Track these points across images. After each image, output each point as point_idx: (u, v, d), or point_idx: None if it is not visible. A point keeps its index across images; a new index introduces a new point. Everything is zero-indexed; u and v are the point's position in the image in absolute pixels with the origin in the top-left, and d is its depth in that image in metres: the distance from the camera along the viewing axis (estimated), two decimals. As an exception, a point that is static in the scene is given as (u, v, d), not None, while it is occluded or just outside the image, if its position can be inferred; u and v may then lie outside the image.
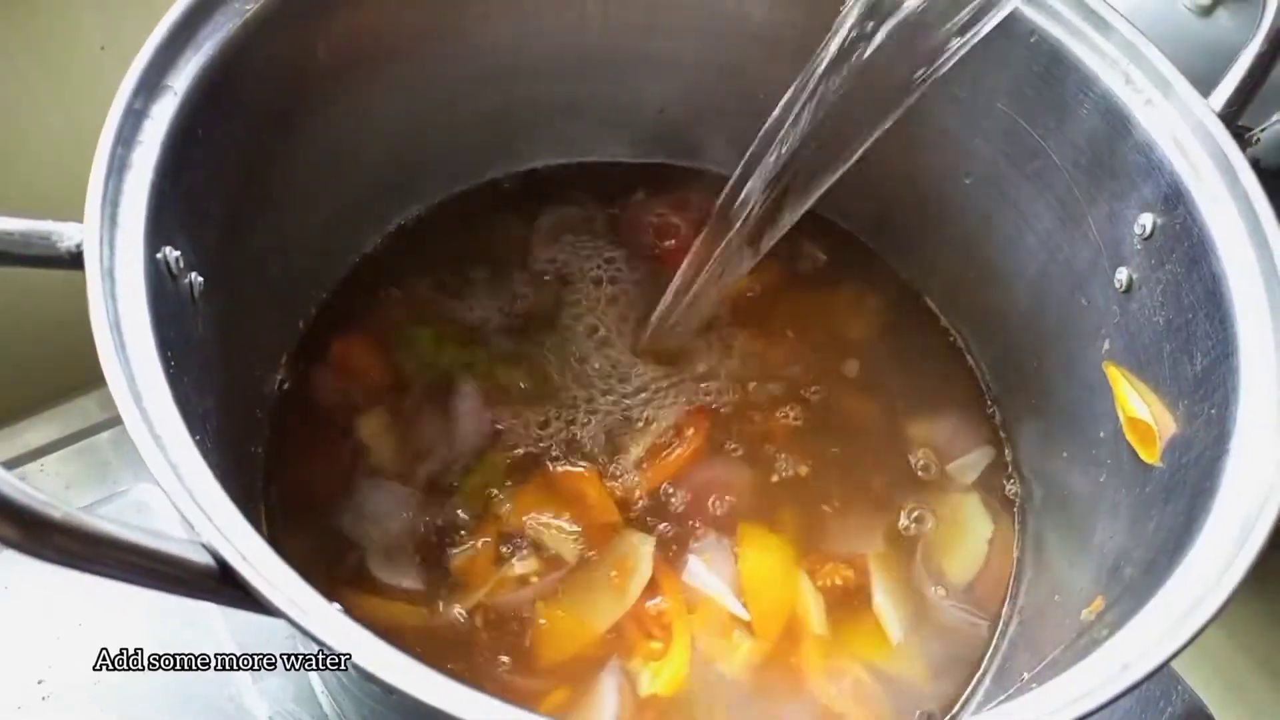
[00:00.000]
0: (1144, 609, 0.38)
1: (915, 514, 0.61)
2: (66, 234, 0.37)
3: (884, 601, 0.58)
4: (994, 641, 0.58)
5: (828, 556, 0.59)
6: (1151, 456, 0.49)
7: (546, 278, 0.68)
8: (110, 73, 0.68)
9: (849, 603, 0.58)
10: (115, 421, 0.74)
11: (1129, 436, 0.52)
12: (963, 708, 0.55)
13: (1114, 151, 0.53)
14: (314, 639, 0.31)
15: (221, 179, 0.48)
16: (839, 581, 0.59)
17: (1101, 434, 0.54)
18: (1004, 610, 0.59)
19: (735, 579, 0.58)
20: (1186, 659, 0.67)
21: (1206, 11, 0.67)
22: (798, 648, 0.57)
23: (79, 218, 0.39)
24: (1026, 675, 0.48)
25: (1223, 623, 0.84)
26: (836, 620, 0.58)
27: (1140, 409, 0.51)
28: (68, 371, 0.73)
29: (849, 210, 0.71)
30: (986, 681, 0.56)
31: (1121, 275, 0.53)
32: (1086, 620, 0.46)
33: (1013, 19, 0.56)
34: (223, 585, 0.32)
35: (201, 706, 0.63)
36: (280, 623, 0.63)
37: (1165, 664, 0.34)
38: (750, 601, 0.57)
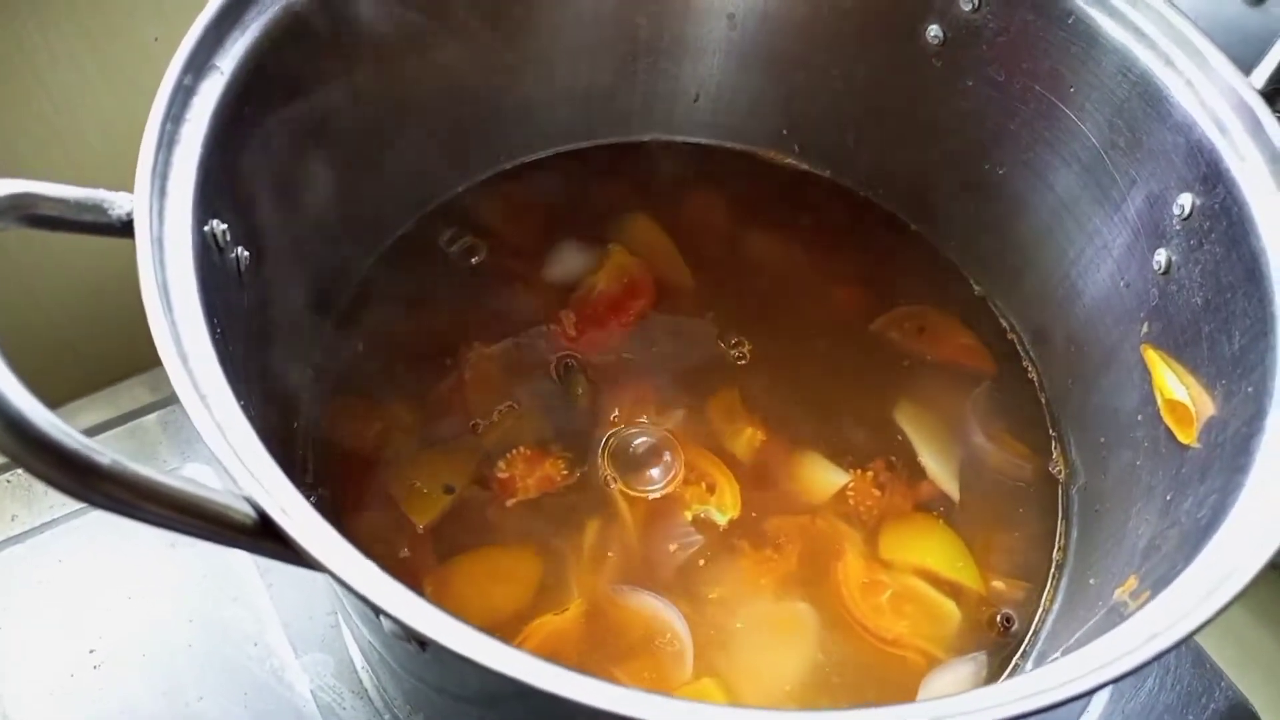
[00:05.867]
0: (1174, 582, 0.37)
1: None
2: (118, 203, 0.39)
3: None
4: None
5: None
6: (1188, 438, 0.49)
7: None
8: (162, 63, 0.70)
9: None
10: (163, 404, 0.76)
11: (1166, 419, 0.51)
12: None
13: (1152, 132, 0.53)
14: (350, 590, 0.32)
15: (268, 157, 0.49)
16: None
17: (1139, 417, 0.54)
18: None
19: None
20: (1234, 661, 0.67)
21: (1258, 1, 0.67)
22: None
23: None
24: (1059, 655, 0.48)
25: (1272, 626, 0.83)
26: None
27: (1178, 391, 0.50)
28: (119, 358, 0.76)
29: (889, 191, 0.71)
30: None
31: (1160, 257, 0.53)
32: (1118, 599, 0.46)
33: (1052, 1, 0.56)
34: (263, 538, 0.33)
35: (245, 679, 0.64)
36: (322, 599, 0.66)
37: (1192, 635, 0.34)
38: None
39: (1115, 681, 0.32)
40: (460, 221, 0.68)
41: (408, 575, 0.55)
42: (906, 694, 0.55)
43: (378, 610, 0.33)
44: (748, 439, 0.62)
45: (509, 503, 0.58)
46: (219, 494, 0.33)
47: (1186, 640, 0.33)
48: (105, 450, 0.30)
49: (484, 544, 0.57)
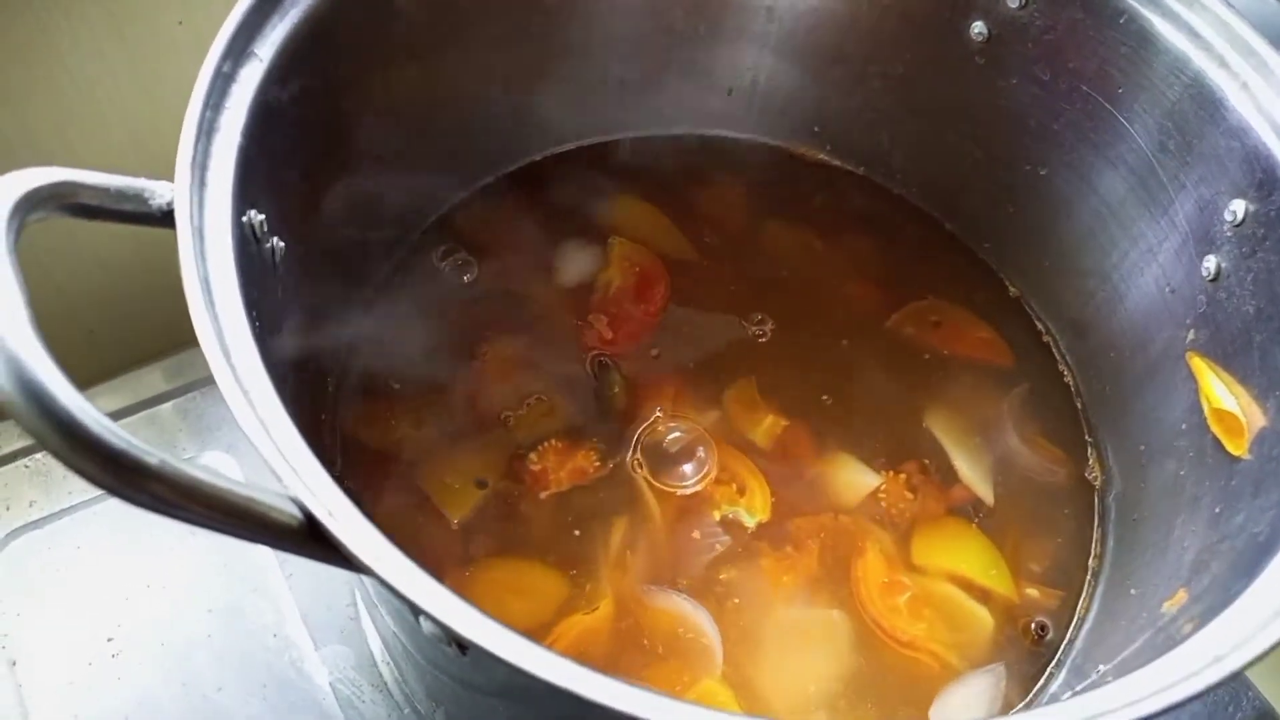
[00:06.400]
0: (1236, 602, 0.36)
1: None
2: (159, 192, 0.38)
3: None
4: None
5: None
6: (1239, 449, 0.48)
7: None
8: (186, 47, 0.70)
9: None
10: (180, 392, 0.76)
11: (1214, 428, 0.50)
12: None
13: (1204, 136, 0.52)
14: (396, 594, 0.31)
15: (304, 146, 0.49)
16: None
17: (1184, 426, 0.53)
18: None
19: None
20: (1261, 671, 0.66)
21: (1294, 0, 0.65)
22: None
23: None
24: (1103, 668, 0.47)
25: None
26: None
27: (1227, 400, 0.49)
28: (134, 344, 0.75)
29: (924, 189, 0.70)
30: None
31: (1209, 263, 0.52)
32: (1168, 614, 0.45)
33: (1104, 0, 0.55)
34: (308, 540, 0.33)
35: (263, 670, 0.64)
36: (341, 591, 0.65)
37: (1262, 657, 0.33)
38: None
39: (1183, 705, 0.31)
40: (483, 217, 0.67)
41: (436, 572, 0.54)
42: (922, 699, 0.54)
43: (422, 613, 0.33)
44: (768, 427, 0.61)
45: (542, 495, 0.57)
46: (265, 494, 0.32)
47: (1257, 662, 0.32)
48: (153, 450, 0.29)
49: (516, 540, 0.56)
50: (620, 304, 0.65)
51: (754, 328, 0.65)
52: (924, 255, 0.70)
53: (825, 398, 0.63)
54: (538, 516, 0.57)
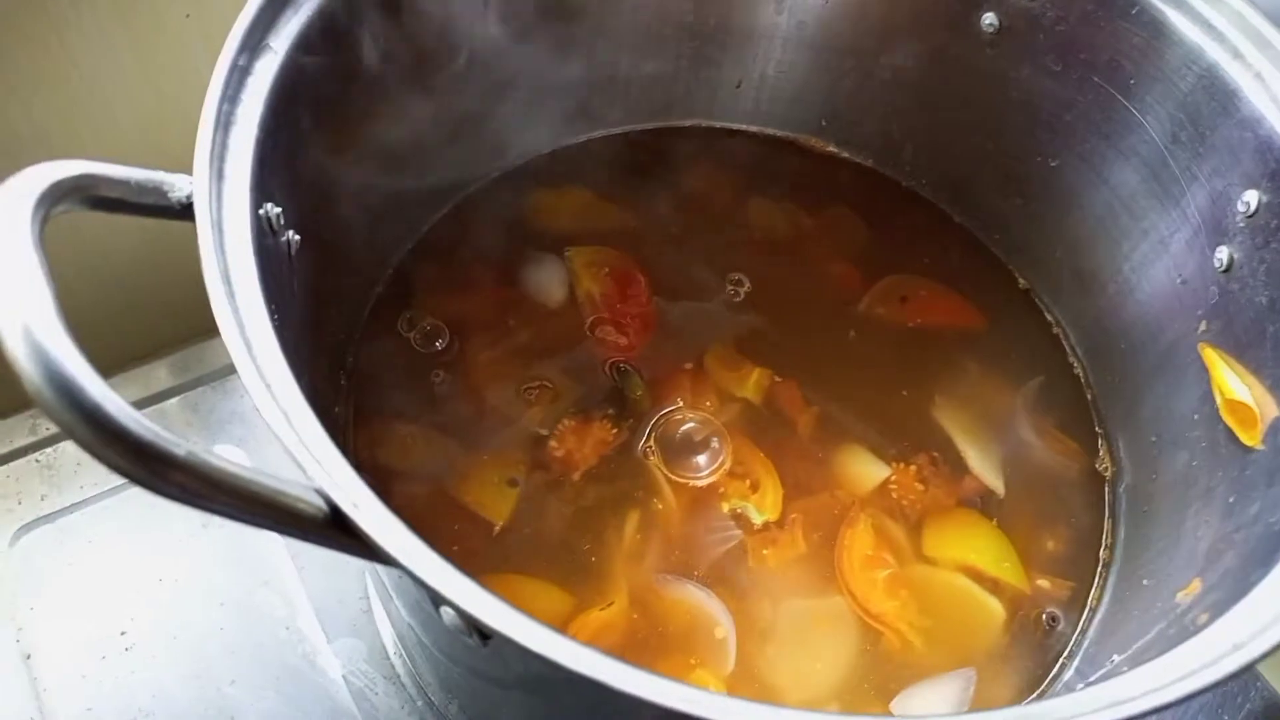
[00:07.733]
0: (1253, 591, 0.37)
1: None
2: (177, 185, 0.38)
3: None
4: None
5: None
6: (1253, 440, 0.48)
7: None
8: (194, 40, 0.70)
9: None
10: (187, 386, 0.76)
11: (1227, 419, 0.50)
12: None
13: (1217, 127, 0.52)
14: (421, 583, 0.32)
15: (318, 139, 0.49)
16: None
17: (1196, 417, 0.53)
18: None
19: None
20: (1271, 661, 0.66)
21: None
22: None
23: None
24: (1117, 658, 0.47)
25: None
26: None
27: (1240, 391, 0.50)
28: (136, 340, 0.75)
29: (934, 181, 0.71)
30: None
31: (1221, 254, 0.52)
32: (1182, 604, 0.45)
33: (1114, -10, 0.55)
34: (332, 530, 0.33)
35: (276, 663, 0.64)
36: (354, 583, 0.65)
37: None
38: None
39: (1202, 692, 0.32)
40: (486, 213, 0.67)
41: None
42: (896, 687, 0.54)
43: (446, 603, 0.33)
44: (756, 380, 0.62)
45: (575, 476, 0.58)
46: (291, 485, 0.32)
47: (1277, 650, 0.33)
48: (181, 440, 0.29)
49: (546, 538, 0.56)
50: (613, 307, 0.65)
51: (731, 288, 0.66)
52: (932, 247, 0.70)
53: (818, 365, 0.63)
54: (560, 512, 0.57)
